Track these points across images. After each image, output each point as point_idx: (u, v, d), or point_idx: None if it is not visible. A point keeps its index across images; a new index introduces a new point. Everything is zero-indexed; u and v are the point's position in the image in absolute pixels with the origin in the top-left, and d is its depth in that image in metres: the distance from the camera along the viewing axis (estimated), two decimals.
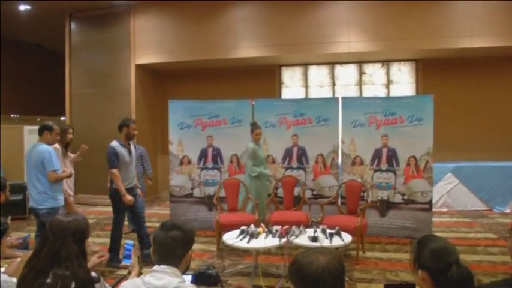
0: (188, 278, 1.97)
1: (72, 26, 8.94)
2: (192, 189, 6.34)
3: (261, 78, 9.10)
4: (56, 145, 4.91)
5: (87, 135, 8.72)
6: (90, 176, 8.41)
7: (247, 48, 8.05)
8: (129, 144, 4.75)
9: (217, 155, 6.18)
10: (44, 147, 4.23)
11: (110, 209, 7.97)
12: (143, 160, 6.15)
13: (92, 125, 8.69)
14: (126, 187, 4.62)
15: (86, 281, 1.88)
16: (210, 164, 6.26)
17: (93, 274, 1.94)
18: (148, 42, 8.49)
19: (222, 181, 5.81)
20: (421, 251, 1.62)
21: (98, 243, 5.59)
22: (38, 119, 10.45)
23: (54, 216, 3.81)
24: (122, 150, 4.60)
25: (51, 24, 9.30)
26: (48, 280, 1.82)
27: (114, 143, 4.62)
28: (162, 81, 9.61)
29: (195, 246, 5.35)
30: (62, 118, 9.66)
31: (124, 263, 2.36)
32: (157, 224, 1.98)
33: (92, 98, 8.74)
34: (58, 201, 4.29)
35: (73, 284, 1.83)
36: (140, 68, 8.64)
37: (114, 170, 4.54)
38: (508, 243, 1.85)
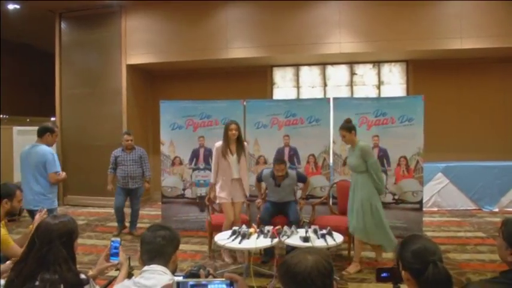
0: (179, 279, 1.96)
1: (63, 25, 8.85)
2: (184, 189, 6.32)
3: (253, 78, 9.10)
4: (219, 143, 4.77)
5: (77, 135, 8.68)
6: (80, 177, 8.35)
7: (239, 49, 8.05)
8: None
9: (208, 155, 6.15)
10: (46, 148, 4.16)
11: (100, 210, 8.06)
12: (142, 162, 6.09)
13: (82, 126, 8.63)
14: None
15: (74, 284, 1.86)
16: (201, 165, 6.25)
17: (83, 276, 1.93)
18: (140, 43, 8.45)
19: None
20: (403, 252, 1.63)
21: (88, 244, 5.54)
22: (28, 120, 10.35)
23: None
24: None
25: (41, 23, 9.19)
26: (37, 283, 1.81)
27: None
28: (153, 81, 9.57)
29: (187, 247, 5.35)
30: (52, 118, 9.57)
31: (112, 261, 2.34)
32: (149, 225, 2.00)
33: (83, 98, 8.66)
34: (54, 204, 4.25)
35: (62, 287, 1.81)
36: (131, 68, 8.59)
37: None
38: (497, 242, 1.87)
